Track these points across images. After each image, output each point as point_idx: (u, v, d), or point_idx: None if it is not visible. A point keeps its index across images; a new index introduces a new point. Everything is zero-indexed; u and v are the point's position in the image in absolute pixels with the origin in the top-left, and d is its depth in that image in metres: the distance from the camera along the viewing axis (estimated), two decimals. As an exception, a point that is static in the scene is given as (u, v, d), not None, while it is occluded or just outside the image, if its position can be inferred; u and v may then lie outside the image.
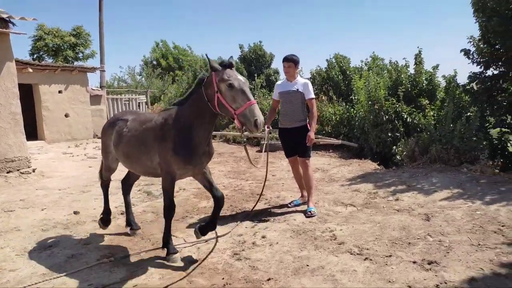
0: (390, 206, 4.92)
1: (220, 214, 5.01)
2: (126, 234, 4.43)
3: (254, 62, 16.37)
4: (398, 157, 7.53)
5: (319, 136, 10.47)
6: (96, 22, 15.99)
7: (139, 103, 19.04)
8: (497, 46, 6.97)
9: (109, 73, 36.35)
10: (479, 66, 7.31)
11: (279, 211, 5.06)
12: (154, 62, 33.09)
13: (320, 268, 3.41)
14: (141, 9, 72.04)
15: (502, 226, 3.97)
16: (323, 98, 11.11)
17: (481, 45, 7.13)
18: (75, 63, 21.22)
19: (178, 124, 3.48)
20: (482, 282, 2.96)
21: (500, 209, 4.41)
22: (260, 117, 3.11)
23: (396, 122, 8.27)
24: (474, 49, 7.32)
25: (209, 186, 3.83)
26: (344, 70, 11.62)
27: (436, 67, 8.38)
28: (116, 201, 5.59)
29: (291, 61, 4.99)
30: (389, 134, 8.28)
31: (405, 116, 8.16)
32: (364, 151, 9.34)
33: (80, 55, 24.15)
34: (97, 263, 3.69)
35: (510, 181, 5.42)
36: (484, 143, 6.54)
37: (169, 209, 3.70)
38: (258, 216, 4.87)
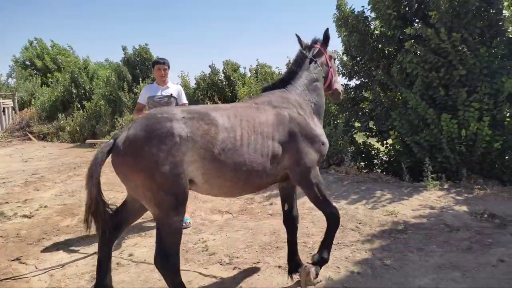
0: (264, 211, 5.02)
1: (84, 233, 4.58)
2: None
3: (139, 65, 15.59)
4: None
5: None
6: None
7: (4, 108, 16.69)
8: (358, 59, 7.75)
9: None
10: (344, 77, 8.04)
11: (152, 224, 4.77)
12: (28, 62, 29.42)
13: (187, 283, 3.26)
14: (14, 5, 63.70)
15: (359, 223, 4.32)
16: (208, 103, 11.09)
17: (344, 58, 7.86)
18: None
19: (307, 108, 2.98)
20: (338, 281, 3.13)
21: (359, 207, 4.82)
22: None
23: (276, 128, 8.61)
24: (338, 62, 8.04)
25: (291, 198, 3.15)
26: (229, 76, 11.77)
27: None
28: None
29: (167, 65, 4.78)
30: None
31: (284, 122, 8.55)
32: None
33: None
34: None
35: (369, 180, 6.00)
36: (351, 147, 7.17)
37: (338, 217, 2.99)
38: (129, 232, 4.52)
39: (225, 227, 4.53)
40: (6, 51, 66.51)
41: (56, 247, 4.18)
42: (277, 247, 3.85)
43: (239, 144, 2.54)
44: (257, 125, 2.64)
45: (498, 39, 5.63)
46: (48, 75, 24.46)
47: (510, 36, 5.72)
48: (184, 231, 4.44)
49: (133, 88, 14.14)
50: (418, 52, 6.08)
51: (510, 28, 5.76)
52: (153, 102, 4.66)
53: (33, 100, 18.83)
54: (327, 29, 3.17)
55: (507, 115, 5.53)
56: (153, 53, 15.85)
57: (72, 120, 14.77)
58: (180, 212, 2.46)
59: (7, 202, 5.81)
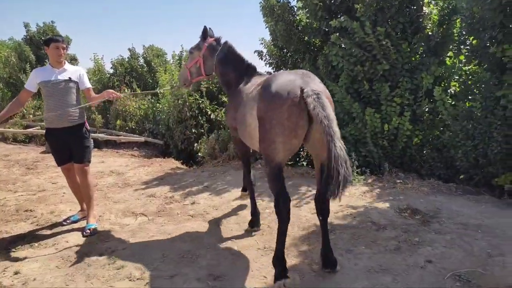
0: (185, 212, 4.55)
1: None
2: None
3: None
4: (200, 154, 7.36)
5: (121, 133, 9.53)
6: None
7: None
8: (284, 50, 7.53)
9: None
10: (271, 67, 7.78)
11: (49, 232, 4.04)
12: None
13: (86, 308, 2.70)
14: None
15: (286, 223, 4.05)
16: (126, 90, 10.15)
17: (272, 47, 7.59)
18: None
19: None
20: (264, 292, 2.81)
21: (286, 205, 4.55)
22: None
23: (200, 118, 8.12)
24: (266, 50, 7.77)
25: None
26: (149, 61, 10.90)
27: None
28: None
29: (64, 43, 4.03)
30: (194, 131, 8.08)
31: (209, 113, 8.08)
32: (170, 148, 8.96)
33: None
34: None
35: (296, 175, 5.83)
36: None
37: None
38: (18, 241, 3.76)
39: (139, 233, 3.97)
40: None
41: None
42: (198, 255, 3.42)
43: None
44: None
45: (418, 35, 5.73)
46: None
47: (429, 33, 5.87)
48: (88, 239, 3.84)
49: (37, 70, 12.55)
50: (343, 45, 6.00)
51: (429, 25, 5.91)
52: (48, 88, 3.91)
53: None
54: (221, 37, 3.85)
55: (426, 110, 5.69)
56: (61, 32, 14.25)
57: (-39, 106, 12.72)
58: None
59: None
